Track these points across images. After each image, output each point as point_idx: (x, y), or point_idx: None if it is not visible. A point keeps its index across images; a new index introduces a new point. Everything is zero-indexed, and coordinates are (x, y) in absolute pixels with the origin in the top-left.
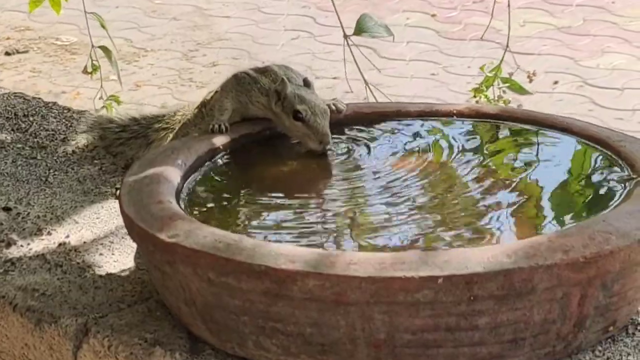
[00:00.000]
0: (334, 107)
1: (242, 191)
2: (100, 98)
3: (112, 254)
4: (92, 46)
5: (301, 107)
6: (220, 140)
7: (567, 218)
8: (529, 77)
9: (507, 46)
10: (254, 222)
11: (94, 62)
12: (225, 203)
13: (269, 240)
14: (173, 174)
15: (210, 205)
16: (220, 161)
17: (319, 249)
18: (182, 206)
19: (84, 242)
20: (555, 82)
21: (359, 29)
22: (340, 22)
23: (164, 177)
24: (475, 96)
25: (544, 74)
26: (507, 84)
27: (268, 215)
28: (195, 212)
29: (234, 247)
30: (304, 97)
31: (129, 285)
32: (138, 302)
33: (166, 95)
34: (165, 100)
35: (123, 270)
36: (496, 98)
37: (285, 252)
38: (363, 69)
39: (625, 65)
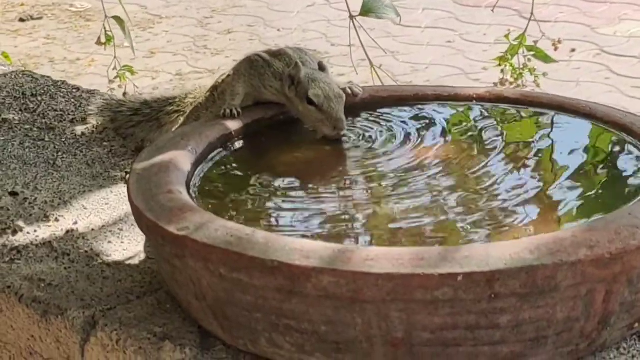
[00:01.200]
0: (349, 91)
1: (255, 180)
2: (114, 68)
3: (122, 242)
4: (106, 16)
5: (314, 92)
6: (232, 126)
7: (591, 209)
8: (553, 45)
9: (532, 14)
10: (267, 213)
11: (107, 32)
12: (237, 192)
13: (283, 233)
14: (183, 161)
15: (221, 194)
16: (232, 148)
17: (334, 244)
18: (193, 196)
19: (92, 229)
20: (573, 50)
21: (366, 10)
22: (347, 3)
23: (173, 165)
24: (500, 64)
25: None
26: (532, 52)
27: (282, 206)
28: (206, 202)
29: (246, 242)
30: (318, 81)
31: (138, 275)
32: (147, 293)
33: (181, 62)
34: (180, 68)
35: (132, 259)
36: (521, 66)
37: (300, 247)
38: (378, 37)
39: None
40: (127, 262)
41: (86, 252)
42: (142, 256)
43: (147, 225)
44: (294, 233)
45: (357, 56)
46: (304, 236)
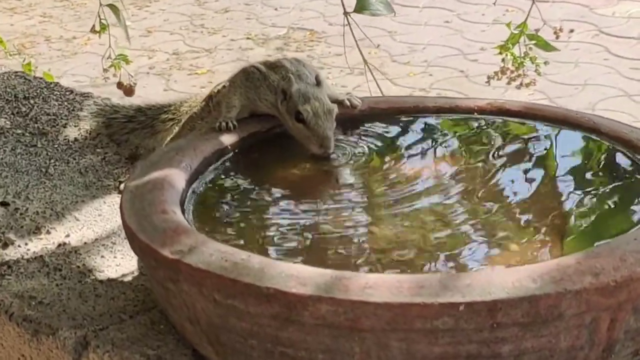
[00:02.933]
0: (348, 103)
1: (251, 198)
2: (109, 57)
3: (114, 257)
4: (100, 5)
5: (303, 108)
6: (227, 139)
7: (596, 233)
8: (555, 32)
9: (533, 2)
10: (263, 235)
11: (102, 20)
12: (232, 211)
13: (279, 257)
14: (177, 178)
15: (216, 214)
16: (227, 163)
17: (331, 270)
18: (187, 215)
19: (85, 243)
20: (571, 31)
21: (360, 6)
22: (342, 1)
23: (167, 182)
24: (500, 53)
25: (559, 22)
26: (533, 41)
27: (279, 227)
28: (200, 222)
29: (241, 267)
30: (309, 96)
31: (131, 293)
32: (140, 312)
33: (178, 41)
34: (176, 47)
35: (125, 276)
36: (522, 55)
37: (296, 274)
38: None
39: None
40: (120, 279)
41: (78, 267)
42: (135, 272)
43: (140, 247)
44: (289, 254)
45: (357, 34)
46: (300, 257)
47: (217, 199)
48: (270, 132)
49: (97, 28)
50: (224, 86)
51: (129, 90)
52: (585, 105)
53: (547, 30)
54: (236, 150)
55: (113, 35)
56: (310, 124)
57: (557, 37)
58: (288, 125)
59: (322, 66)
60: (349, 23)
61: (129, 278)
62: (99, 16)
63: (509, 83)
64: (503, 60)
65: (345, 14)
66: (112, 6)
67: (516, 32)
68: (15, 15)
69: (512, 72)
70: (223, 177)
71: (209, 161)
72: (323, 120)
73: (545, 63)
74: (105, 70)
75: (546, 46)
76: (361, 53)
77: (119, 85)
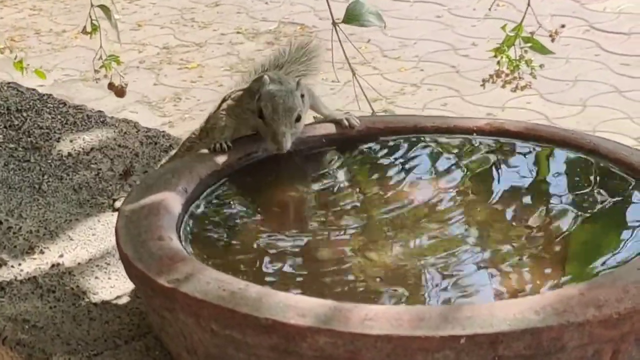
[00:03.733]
0: (346, 123)
1: (248, 222)
2: (100, 58)
3: (109, 278)
4: (92, 5)
5: (263, 104)
6: (223, 161)
7: (598, 261)
8: (550, 35)
9: (528, 4)
10: (262, 262)
11: (93, 21)
12: (229, 237)
13: (277, 284)
14: (173, 202)
15: (213, 239)
16: (224, 186)
17: (330, 301)
18: (183, 241)
19: (79, 263)
20: (562, 26)
21: (349, 17)
22: (330, 10)
23: (163, 207)
24: (496, 56)
25: (549, 17)
26: (528, 44)
27: (276, 253)
28: (197, 248)
29: (239, 297)
30: (274, 95)
31: (126, 316)
32: (135, 338)
33: (168, 35)
34: (167, 41)
35: (119, 297)
36: (517, 58)
37: (294, 304)
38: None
39: (633, 9)
40: (114, 302)
41: (72, 289)
42: (130, 294)
43: (137, 275)
44: (286, 282)
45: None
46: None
47: (214, 224)
48: (266, 152)
49: (89, 29)
50: (216, 109)
51: (120, 92)
52: (576, 101)
53: (541, 31)
54: (232, 172)
55: (104, 29)
56: (267, 119)
57: (553, 40)
58: (257, 123)
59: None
60: (337, 33)
61: (124, 300)
62: (90, 17)
63: (503, 86)
64: (498, 63)
65: (334, 24)
66: (103, 7)
67: (511, 34)
68: (5, 8)
69: (507, 75)
70: (219, 200)
71: (205, 183)
72: (280, 117)
73: (541, 66)
74: (96, 71)
75: (542, 49)
76: (353, 72)
77: (110, 86)
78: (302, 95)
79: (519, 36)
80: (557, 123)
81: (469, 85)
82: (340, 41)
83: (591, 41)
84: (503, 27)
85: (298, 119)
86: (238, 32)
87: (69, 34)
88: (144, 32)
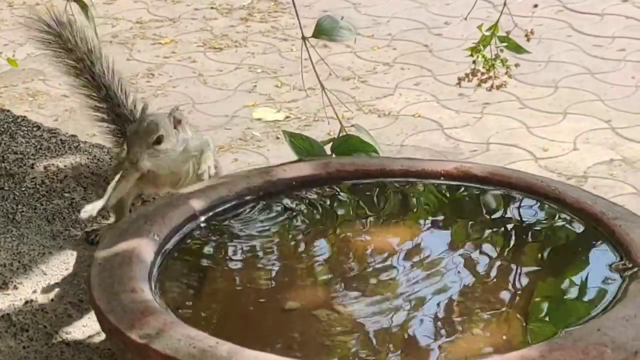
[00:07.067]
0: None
1: (218, 271)
2: None
3: (81, 316)
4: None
5: (128, 128)
6: (196, 205)
7: (559, 317)
8: (526, 35)
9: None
10: (232, 315)
11: (69, 16)
12: (200, 286)
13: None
14: (146, 249)
15: (184, 290)
16: (196, 232)
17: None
18: (155, 291)
19: (52, 300)
20: (535, 6)
21: (319, 31)
22: (300, 23)
23: (136, 256)
24: (472, 55)
25: None
26: (504, 44)
27: (245, 303)
28: (168, 298)
29: (210, 355)
30: (142, 120)
31: (98, 358)
32: None
33: (141, 10)
34: (140, 16)
35: (91, 337)
36: (493, 57)
37: None
38: None
39: None
40: (87, 341)
41: (45, 327)
42: (102, 333)
43: (109, 329)
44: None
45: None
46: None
47: (185, 272)
48: (239, 196)
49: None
50: None
51: None
52: (548, 82)
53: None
54: (206, 217)
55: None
56: (127, 140)
57: (528, 40)
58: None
59: (286, 37)
60: (307, 49)
61: (96, 340)
62: (66, 12)
63: (479, 85)
64: (474, 62)
65: (304, 39)
66: (80, 3)
67: (487, 33)
68: None
69: (482, 74)
70: (191, 247)
71: (177, 229)
72: (135, 137)
73: (516, 65)
74: None
75: (517, 48)
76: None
77: None
78: (178, 122)
79: (494, 36)
80: (529, 104)
81: (441, 65)
82: (308, 50)
83: (564, 22)
84: (479, 27)
85: (158, 141)
86: (212, 8)
87: (41, 7)
88: (117, 6)
